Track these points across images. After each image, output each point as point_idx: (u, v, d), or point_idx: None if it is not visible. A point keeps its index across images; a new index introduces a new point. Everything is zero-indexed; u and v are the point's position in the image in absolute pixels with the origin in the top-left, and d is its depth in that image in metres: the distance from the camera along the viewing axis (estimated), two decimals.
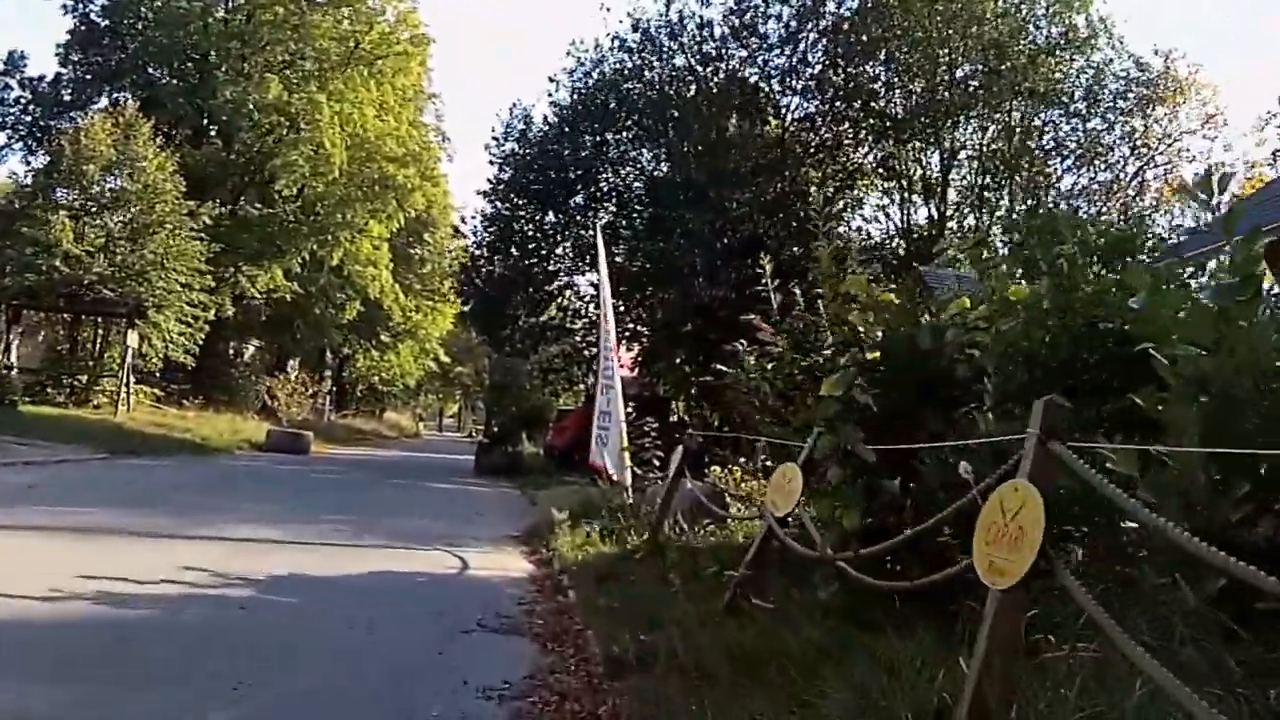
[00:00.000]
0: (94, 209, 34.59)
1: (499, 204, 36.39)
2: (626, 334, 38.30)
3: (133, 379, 34.56)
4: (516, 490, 26.91)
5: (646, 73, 35.10)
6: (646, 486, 15.87)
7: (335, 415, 61.19)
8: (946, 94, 34.27)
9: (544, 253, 36.30)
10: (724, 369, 12.23)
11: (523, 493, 26.05)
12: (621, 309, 37.58)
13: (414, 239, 60.20)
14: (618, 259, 34.72)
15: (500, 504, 22.85)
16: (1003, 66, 33.66)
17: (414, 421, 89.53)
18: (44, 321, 36.41)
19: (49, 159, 36.51)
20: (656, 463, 15.81)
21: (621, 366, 42.20)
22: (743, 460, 13.84)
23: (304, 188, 43.49)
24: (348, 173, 43.60)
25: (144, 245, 34.19)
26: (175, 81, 42.27)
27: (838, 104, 34.39)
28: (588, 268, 36.21)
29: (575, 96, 35.64)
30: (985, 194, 36.30)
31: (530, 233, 36.03)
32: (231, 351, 53.53)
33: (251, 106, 40.86)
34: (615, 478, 15.44)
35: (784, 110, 35.44)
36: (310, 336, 53.50)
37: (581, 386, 44.70)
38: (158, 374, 37.69)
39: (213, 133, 44.25)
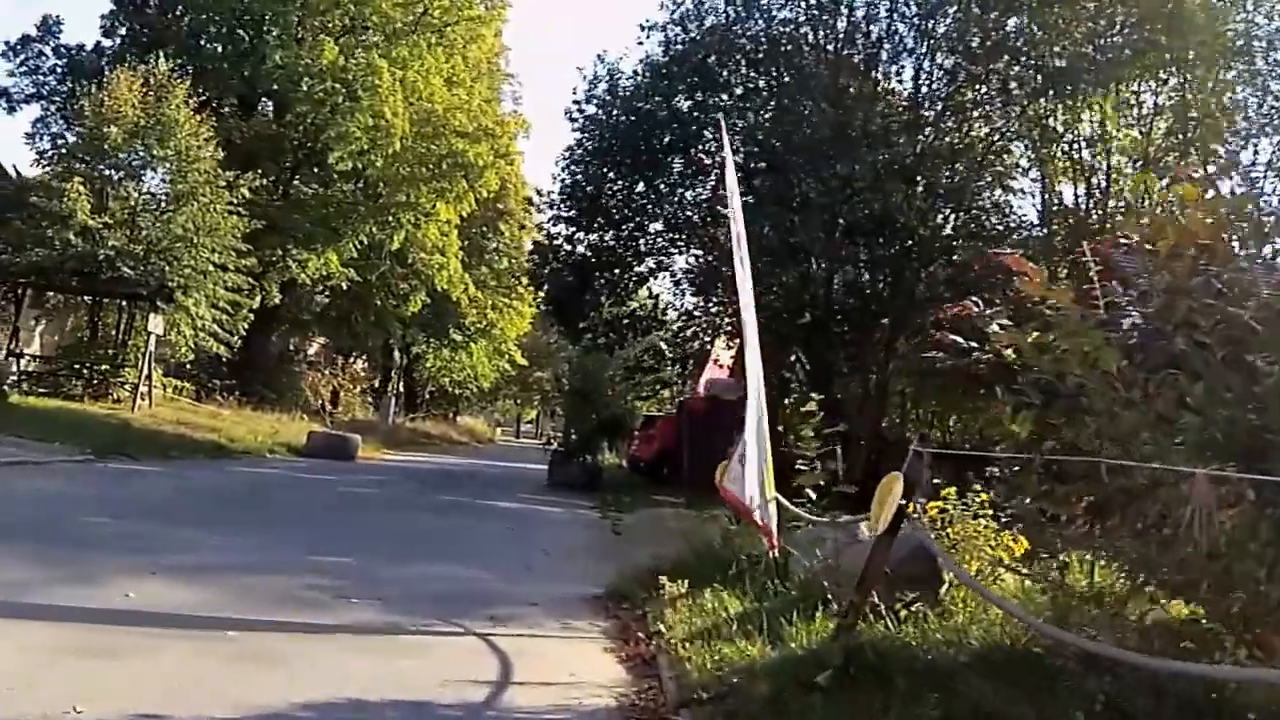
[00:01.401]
0: (117, 177, 29.66)
1: (579, 173, 30.89)
2: (727, 329, 32.76)
3: (156, 370, 29.77)
4: (595, 513, 21.67)
5: (754, 22, 29.42)
6: (797, 529, 10.38)
7: (403, 418, 56.17)
8: (1116, 40, 28.27)
9: (633, 230, 30.72)
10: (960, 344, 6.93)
11: (603, 516, 20.74)
12: (716, 301, 32.10)
13: (488, 229, 55.12)
14: (719, 238, 29.32)
15: (574, 534, 17.70)
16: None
17: (489, 427, 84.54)
18: (65, 305, 31.52)
19: (66, 122, 31.75)
20: (812, 495, 10.29)
21: (720, 367, 36.89)
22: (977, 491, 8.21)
23: (363, 164, 38.35)
24: (411, 148, 38.48)
25: (171, 219, 29.25)
26: (222, 48, 37.40)
27: (979, 54, 28.55)
28: (683, 247, 30.74)
29: (670, 51, 30.04)
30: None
31: (616, 207, 30.47)
32: (292, 347, 48.93)
33: (303, 72, 35.92)
34: (760, 521, 9.72)
35: (920, 63, 29.65)
36: (371, 331, 48.51)
37: (664, 391, 39.33)
38: (188, 365, 32.80)
39: (264, 105, 39.36)
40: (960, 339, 7.48)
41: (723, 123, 17.46)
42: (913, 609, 7.24)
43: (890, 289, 28.78)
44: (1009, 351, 6.81)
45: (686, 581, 9.42)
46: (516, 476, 32.83)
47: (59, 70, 37.71)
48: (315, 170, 39.78)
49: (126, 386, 28.43)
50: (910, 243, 27.71)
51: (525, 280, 58.09)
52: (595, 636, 8.42)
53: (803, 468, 10.35)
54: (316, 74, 36.07)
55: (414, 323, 50.82)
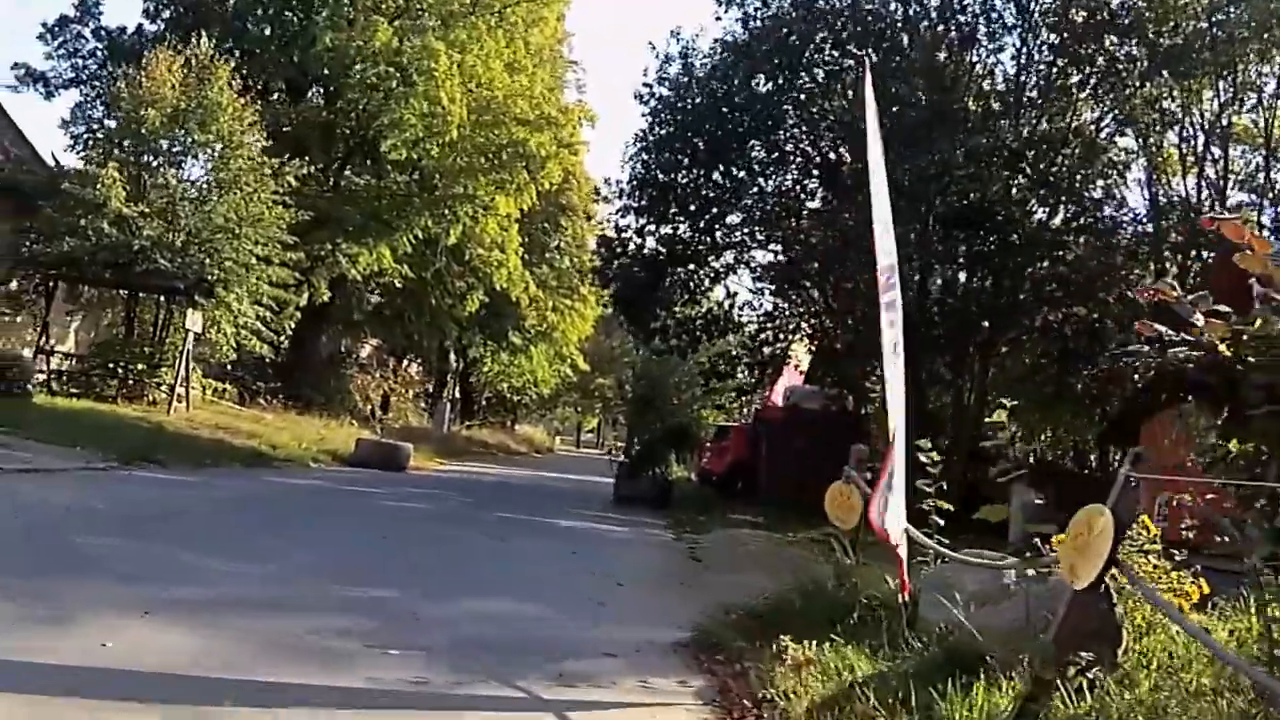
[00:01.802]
0: (155, 164, 28.21)
1: (650, 161, 28.94)
2: (806, 331, 30.82)
3: (195, 371, 28.34)
4: (668, 533, 19.86)
5: None
6: (924, 565, 8.80)
7: (459, 425, 54.59)
8: (1236, 15, 26.01)
9: (709, 222, 28.67)
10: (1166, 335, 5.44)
11: (677, 537, 18.99)
12: (799, 301, 30.16)
13: (549, 225, 53.40)
14: (802, 234, 27.41)
15: (647, 559, 15.76)
16: None
17: (548, 436, 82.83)
18: (101, 300, 30.08)
19: (105, 107, 30.37)
20: (939, 521, 8.52)
21: (799, 373, 34.79)
22: None
23: (418, 153, 36.71)
24: (469, 137, 36.78)
25: (213, 208, 27.75)
26: (269, 30, 35.94)
27: (1083, 32, 26.38)
28: (762, 242, 28.71)
29: (750, 28, 28.05)
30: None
31: (690, 197, 28.46)
32: (344, 349, 47.49)
33: (355, 56, 34.34)
34: (899, 548, 7.94)
35: (1021, 41, 27.50)
36: (426, 332, 46.89)
37: (741, 399, 37.34)
38: (231, 366, 31.33)
39: (314, 92, 37.88)
40: (1164, 329, 5.65)
41: (866, 65, 15.50)
42: (1088, 675, 5.39)
43: (990, 288, 26.66)
44: (1223, 346, 5.01)
45: (794, 630, 7.56)
46: (579, 490, 31.05)
47: (99, 54, 36.25)
48: (368, 160, 38.17)
49: (163, 388, 26.91)
50: (1013, 237, 25.64)
51: (588, 280, 56.73)
52: (689, 702, 6.54)
53: (924, 488, 8.92)
54: (369, 57, 34.49)
55: (471, 324, 49.07)
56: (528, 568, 12.65)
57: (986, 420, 26.50)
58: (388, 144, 34.60)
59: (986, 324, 26.32)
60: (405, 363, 52.01)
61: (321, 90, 37.72)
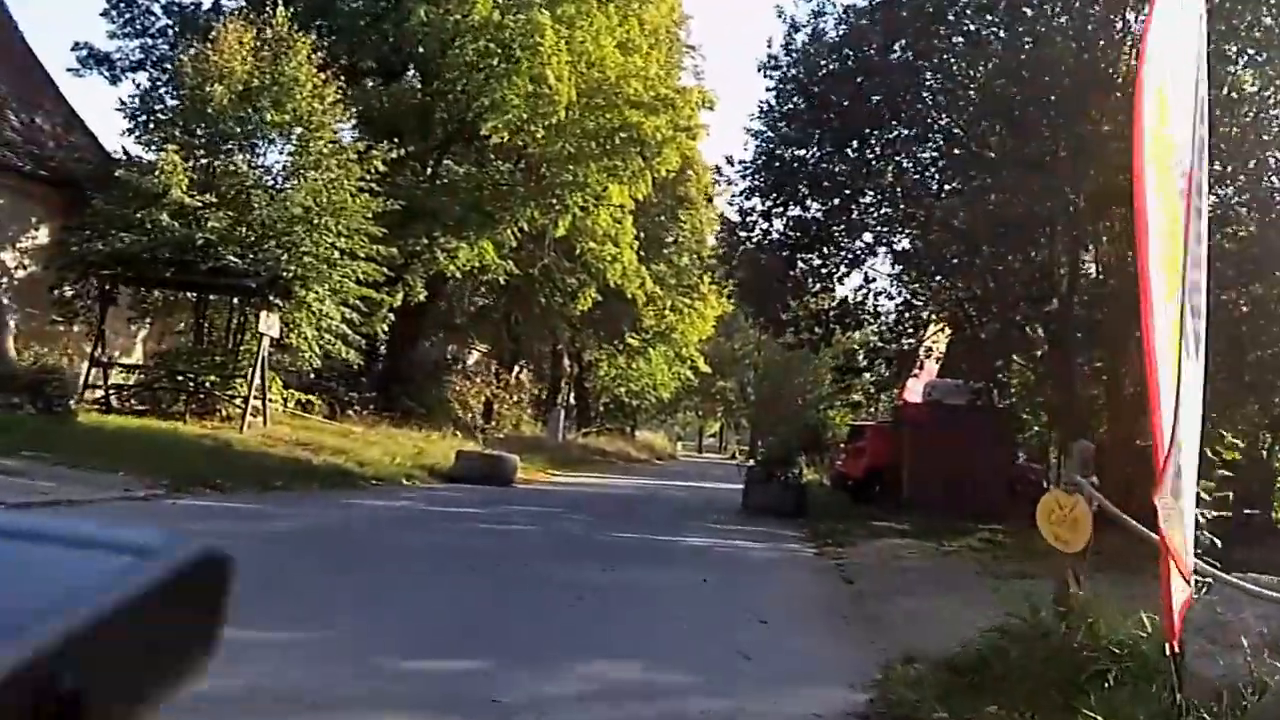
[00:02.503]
0: (223, 148, 25.38)
1: (776, 136, 25.39)
2: (945, 318, 27.02)
3: (274, 381, 25.52)
4: (808, 547, 17.36)
5: None
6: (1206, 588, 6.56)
7: (575, 433, 51.55)
8: None
9: (845, 201, 25.01)
10: None
11: (819, 552, 16.62)
12: (931, 289, 26.39)
13: (666, 219, 50.16)
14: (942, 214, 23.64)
15: (792, 584, 13.31)
16: None
17: (669, 441, 79.63)
18: (168, 305, 27.18)
19: (172, 87, 27.64)
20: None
21: (936, 361, 30.90)
22: None
23: (523, 140, 33.52)
24: (578, 121, 33.53)
25: (289, 196, 24.88)
26: (358, 4, 32.95)
27: None
28: (901, 223, 24.97)
29: None
30: None
31: (822, 174, 24.86)
32: (449, 355, 44.76)
33: (453, 31, 31.25)
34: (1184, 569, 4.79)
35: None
36: (536, 334, 43.90)
37: (880, 396, 33.65)
38: (319, 375, 28.49)
39: (410, 74, 34.90)
40: None
41: None
42: None
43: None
44: None
45: (1010, 693, 6.10)
46: (703, 500, 27.97)
47: (170, 32, 32.86)
48: (468, 146, 34.98)
49: (236, 401, 23.98)
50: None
51: (709, 277, 53.56)
52: None
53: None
54: (468, 32, 31.32)
55: (584, 324, 46.04)
56: (649, 608, 10.30)
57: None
58: (488, 126, 31.32)
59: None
60: (516, 369, 49.25)
61: (418, 72, 34.63)
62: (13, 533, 0.84)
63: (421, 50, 32.61)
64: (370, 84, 32.64)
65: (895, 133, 24.44)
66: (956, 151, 23.61)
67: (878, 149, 24.78)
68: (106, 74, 32.79)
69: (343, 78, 28.09)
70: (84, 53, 32.88)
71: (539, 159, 34.53)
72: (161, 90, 28.44)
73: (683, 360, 57.98)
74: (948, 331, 27.43)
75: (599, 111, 34.34)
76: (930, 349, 27.48)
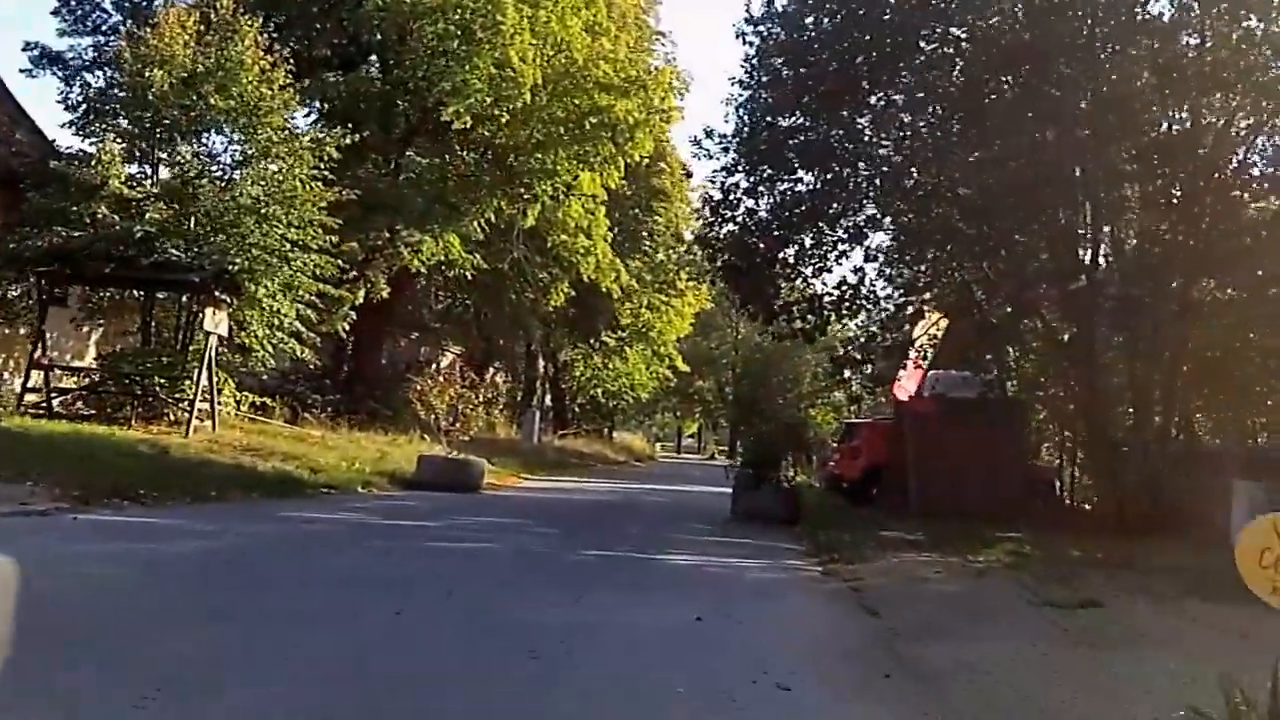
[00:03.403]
0: (164, 137, 23.46)
1: (758, 105, 23.41)
2: (941, 299, 24.90)
3: (227, 383, 23.67)
4: (811, 562, 14.89)
5: None
6: None
7: (552, 435, 49.64)
8: None
9: (834, 176, 23.02)
10: None
11: (826, 570, 13.80)
12: (938, 269, 24.31)
13: (640, 213, 48.34)
14: (935, 179, 21.64)
15: (804, 620, 10.69)
16: None
17: (648, 443, 77.79)
18: (119, 305, 25.25)
19: (105, 70, 25.72)
20: None
21: (916, 366, 28.87)
22: None
23: (487, 129, 31.61)
24: (545, 107, 31.70)
25: (234, 185, 23.03)
26: None
27: None
28: (899, 201, 22.84)
29: None
30: None
31: (814, 143, 22.81)
32: (422, 356, 42.90)
33: (409, 14, 29.37)
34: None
35: None
36: (507, 333, 42.00)
37: (876, 389, 31.60)
38: (268, 377, 26.63)
39: (367, 62, 32.99)
40: None
41: None
42: None
43: (1185, 233, 20.51)
44: None
45: None
46: (687, 505, 25.89)
47: (123, 29, 30.57)
48: (432, 137, 33.01)
49: (183, 405, 22.10)
50: (1215, 174, 19.83)
51: (685, 275, 51.91)
52: None
53: None
54: (425, 15, 29.47)
55: (557, 321, 44.14)
56: (628, 667, 7.46)
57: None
58: (449, 112, 29.36)
59: (1176, 285, 20.25)
60: (491, 371, 47.38)
61: (377, 59, 32.72)
62: None
63: (379, 37, 30.85)
64: (328, 76, 30.68)
65: (891, 94, 22.33)
66: (960, 114, 21.39)
67: (870, 114, 22.65)
68: (60, 74, 30.42)
69: (295, 66, 26.25)
70: (35, 52, 30.64)
71: (506, 147, 32.63)
72: (102, 80, 26.24)
73: (661, 359, 56.17)
74: (942, 321, 25.32)
75: (567, 96, 32.53)
76: (935, 336, 25.25)
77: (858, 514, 22.78)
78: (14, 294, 23.11)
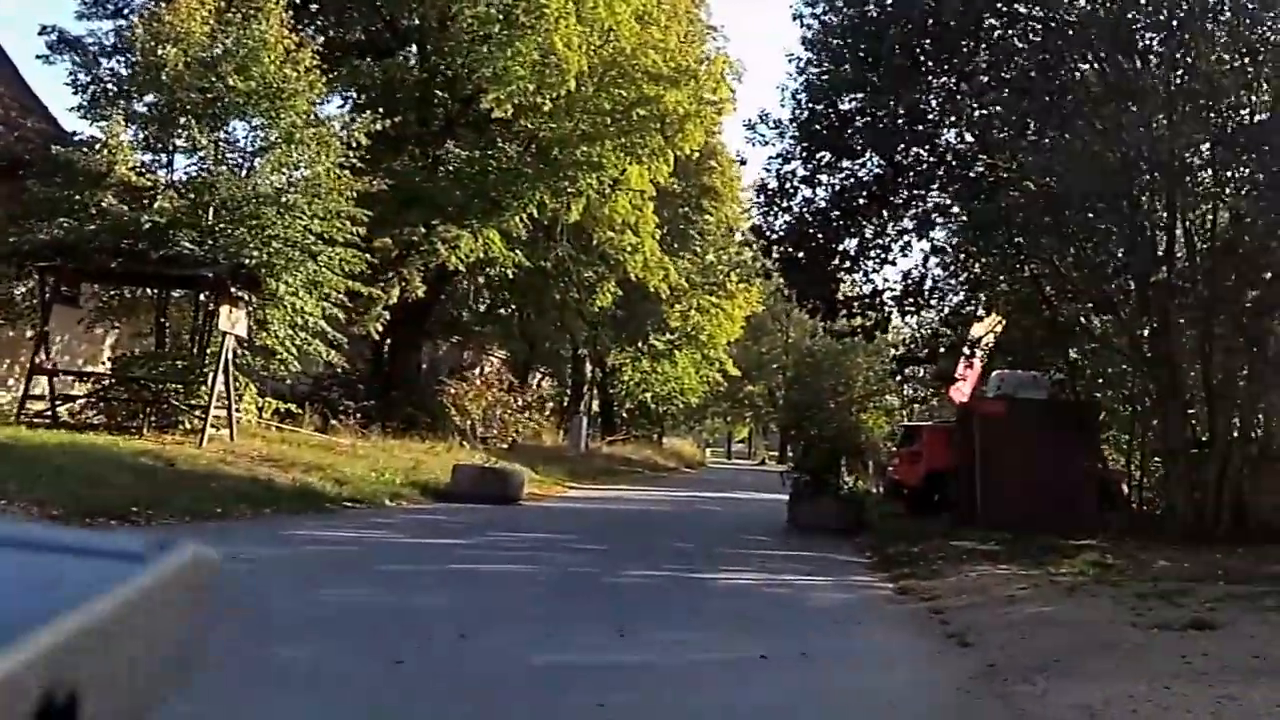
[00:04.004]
0: (181, 121, 21.42)
1: (815, 83, 21.17)
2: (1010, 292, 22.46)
3: (245, 387, 21.74)
4: (881, 578, 13.56)
5: None
6: None
7: (600, 442, 47.61)
8: None
9: (900, 159, 20.69)
10: None
11: (901, 589, 12.26)
12: (1006, 262, 21.76)
13: (691, 210, 46.24)
14: (1008, 165, 19.19)
15: (887, 657, 8.94)
16: None
17: (698, 448, 75.51)
18: (134, 304, 23.23)
19: (115, 51, 23.72)
20: None
21: (967, 366, 26.51)
22: None
23: (529, 121, 29.68)
24: (591, 98, 29.69)
25: (257, 173, 21.10)
26: None
27: None
28: (969, 189, 20.27)
29: None
30: None
31: (882, 123, 20.03)
32: (466, 359, 40.94)
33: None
34: None
35: None
36: (549, 332, 39.90)
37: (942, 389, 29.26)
38: (314, 382, 24.78)
39: (406, 51, 30.95)
40: None
41: None
42: None
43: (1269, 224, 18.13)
44: None
45: None
46: (741, 515, 24.23)
47: (146, 12, 28.66)
48: (473, 129, 30.97)
49: (198, 412, 20.10)
50: None
51: (736, 276, 49.94)
52: None
53: None
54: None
55: (604, 323, 42.04)
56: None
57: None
58: (490, 99, 27.39)
59: (1269, 275, 17.98)
60: (537, 377, 45.42)
61: (415, 48, 30.67)
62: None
63: (418, 22, 28.75)
64: (361, 63, 28.59)
65: (964, 73, 19.96)
66: (1035, 96, 19.01)
67: (944, 93, 20.32)
68: (78, 60, 28.36)
69: (327, 51, 24.38)
70: (53, 37, 28.55)
71: (550, 140, 30.54)
72: (114, 62, 24.12)
73: (711, 363, 54.00)
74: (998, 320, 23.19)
75: (614, 86, 30.49)
76: (995, 333, 23.12)
77: (921, 522, 20.94)
78: (19, 292, 21.12)
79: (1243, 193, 17.93)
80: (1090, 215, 18.01)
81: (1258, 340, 17.45)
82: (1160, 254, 18.37)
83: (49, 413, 19.74)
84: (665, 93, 30.74)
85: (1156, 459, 20.95)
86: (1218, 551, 14.00)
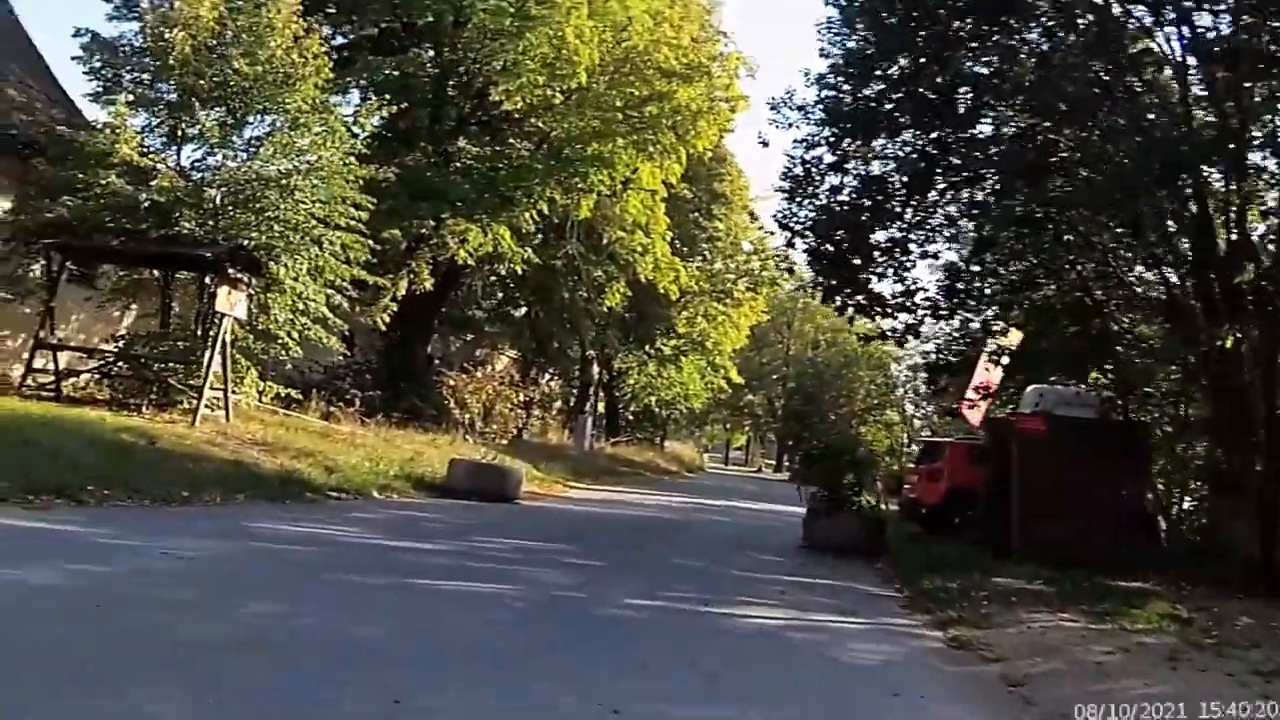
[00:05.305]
0: (188, 104, 20.05)
1: (850, 40, 18.73)
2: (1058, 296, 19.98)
3: (246, 370, 20.48)
4: (921, 620, 11.03)
5: None
6: None
7: (603, 442, 46.24)
8: None
9: (952, 143, 17.88)
10: None
11: (952, 638, 9.75)
12: (1039, 261, 19.46)
13: (701, 214, 44.91)
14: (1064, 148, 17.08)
15: None
16: None
17: (697, 453, 73.99)
18: (145, 284, 21.89)
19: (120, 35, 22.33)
20: None
21: (984, 379, 24.07)
22: None
23: (542, 120, 28.40)
24: (603, 94, 28.39)
25: (256, 155, 19.78)
26: None
27: None
28: (1015, 179, 17.83)
29: None
30: None
31: (924, 99, 17.50)
32: (479, 357, 39.56)
33: None
34: None
35: None
36: (557, 329, 38.41)
37: (982, 402, 26.76)
38: (323, 370, 23.41)
39: (423, 46, 29.46)
40: None
41: None
42: None
43: None
44: None
45: None
46: (749, 528, 22.37)
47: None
48: (485, 128, 29.73)
49: (194, 393, 18.72)
50: None
51: (743, 284, 48.79)
52: None
53: None
54: None
55: (613, 323, 40.64)
56: None
57: None
58: (499, 91, 26.17)
59: None
60: (546, 375, 44.02)
61: (429, 46, 29.25)
62: None
63: (432, 19, 27.31)
64: (375, 59, 27.17)
65: (1020, 37, 17.76)
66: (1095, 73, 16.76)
67: (999, 52, 17.96)
68: (103, 56, 26.99)
69: (339, 47, 23.07)
70: (86, 38, 27.22)
71: (561, 138, 29.20)
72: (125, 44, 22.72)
73: (716, 370, 52.66)
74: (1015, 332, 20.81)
75: (626, 83, 29.10)
76: (1011, 347, 20.66)
77: (943, 546, 18.45)
78: (34, 271, 19.89)
79: None
80: (1150, 209, 15.77)
81: None
82: (1225, 255, 16.15)
83: (53, 387, 18.50)
84: (678, 89, 29.50)
85: (1204, 490, 18.59)
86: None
